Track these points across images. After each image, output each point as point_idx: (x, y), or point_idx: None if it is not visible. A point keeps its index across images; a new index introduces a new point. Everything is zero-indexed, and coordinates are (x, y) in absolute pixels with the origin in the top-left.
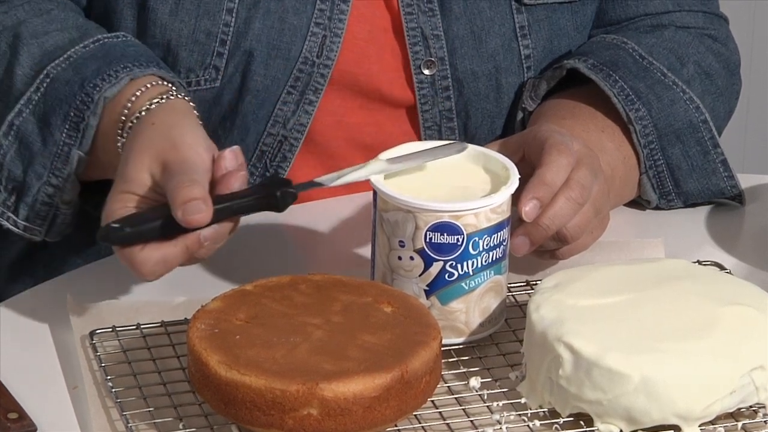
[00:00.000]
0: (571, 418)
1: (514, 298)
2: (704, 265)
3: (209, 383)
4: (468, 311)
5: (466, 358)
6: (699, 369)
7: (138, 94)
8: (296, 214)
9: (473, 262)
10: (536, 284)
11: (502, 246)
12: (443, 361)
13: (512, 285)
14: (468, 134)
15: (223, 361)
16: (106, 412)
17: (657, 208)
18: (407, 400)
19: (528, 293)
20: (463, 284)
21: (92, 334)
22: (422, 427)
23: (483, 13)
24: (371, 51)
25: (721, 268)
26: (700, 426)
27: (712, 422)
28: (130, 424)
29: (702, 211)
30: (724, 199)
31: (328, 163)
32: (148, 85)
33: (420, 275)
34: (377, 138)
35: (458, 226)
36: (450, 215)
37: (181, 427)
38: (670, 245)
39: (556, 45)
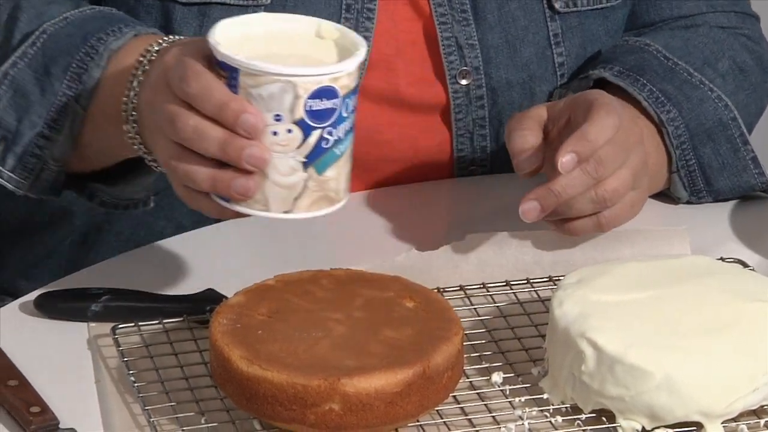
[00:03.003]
0: (594, 414)
1: (537, 293)
2: (727, 262)
3: (231, 378)
4: (338, 178)
5: (489, 353)
6: (721, 366)
7: (156, 43)
8: None
9: (344, 125)
10: (559, 280)
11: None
12: (465, 356)
13: (535, 280)
14: (500, 141)
15: (244, 356)
16: (128, 406)
17: (687, 202)
18: (429, 395)
19: (551, 289)
20: (335, 150)
21: (114, 329)
22: (444, 422)
23: (517, 22)
24: (398, 65)
25: (745, 265)
26: (722, 423)
27: (734, 419)
28: (152, 419)
29: (726, 208)
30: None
31: (362, 176)
32: (166, 38)
33: (298, 147)
34: (408, 152)
35: (336, 89)
36: (330, 78)
37: (202, 421)
38: (693, 242)
39: (589, 51)
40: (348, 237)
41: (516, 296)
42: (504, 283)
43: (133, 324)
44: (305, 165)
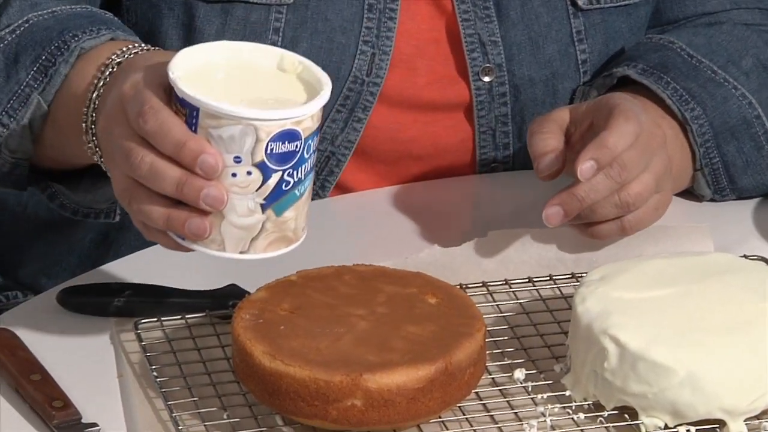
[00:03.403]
0: (616, 412)
1: (560, 290)
2: (750, 259)
3: (253, 373)
4: (297, 218)
5: (511, 349)
6: (744, 364)
7: (120, 51)
8: (341, 205)
9: (305, 166)
10: (582, 277)
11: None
12: (487, 352)
13: (557, 277)
14: (522, 138)
15: (267, 351)
16: (151, 401)
17: (710, 200)
18: (451, 391)
19: (573, 286)
20: (296, 191)
21: (137, 324)
22: (466, 419)
23: (540, 19)
24: (419, 64)
25: None
26: (745, 421)
27: (757, 417)
28: (174, 414)
29: (750, 206)
30: None
31: (384, 173)
32: (131, 46)
33: (257, 190)
34: (431, 149)
35: (299, 131)
36: (293, 122)
37: (225, 417)
38: (716, 239)
39: (612, 48)
40: (370, 233)
41: (539, 293)
42: (527, 280)
43: (155, 319)
44: (264, 207)
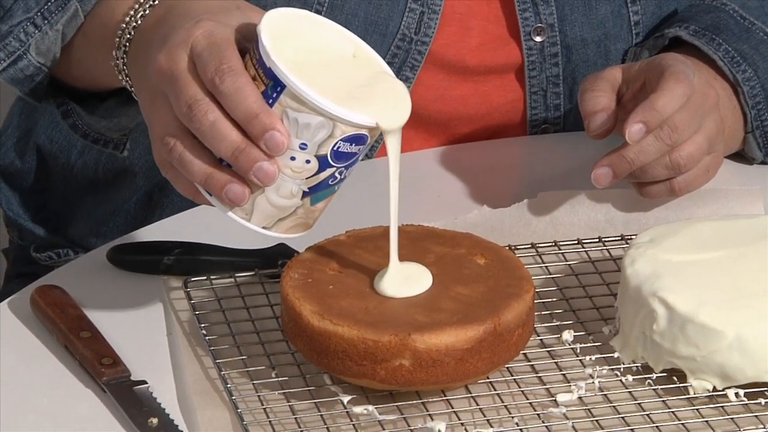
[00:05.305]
0: (664, 374)
1: (609, 252)
2: None
3: (302, 333)
4: (323, 210)
5: (559, 311)
6: None
7: None
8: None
9: (354, 167)
10: (631, 239)
11: None
12: (536, 313)
13: (607, 239)
14: (573, 99)
15: (315, 310)
16: (199, 359)
17: (761, 162)
18: (499, 352)
19: (623, 248)
20: (336, 187)
21: (186, 282)
22: (514, 380)
23: None
24: (472, 24)
25: None
26: None
27: None
28: (222, 372)
29: None
30: None
31: (435, 133)
32: None
33: (307, 178)
34: (481, 109)
35: (368, 137)
36: (369, 128)
37: (273, 375)
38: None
39: (665, 10)
40: (420, 194)
41: (588, 255)
42: (576, 242)
43: (205, 277)
44: (305, 194)
